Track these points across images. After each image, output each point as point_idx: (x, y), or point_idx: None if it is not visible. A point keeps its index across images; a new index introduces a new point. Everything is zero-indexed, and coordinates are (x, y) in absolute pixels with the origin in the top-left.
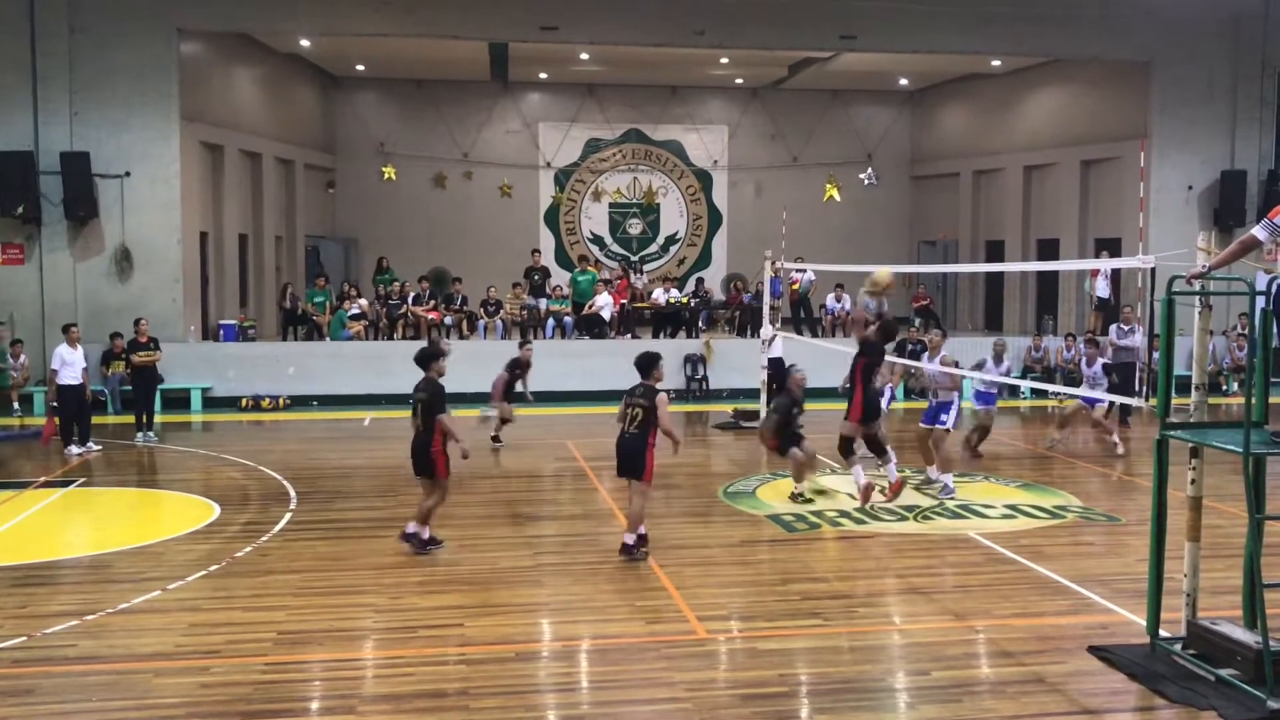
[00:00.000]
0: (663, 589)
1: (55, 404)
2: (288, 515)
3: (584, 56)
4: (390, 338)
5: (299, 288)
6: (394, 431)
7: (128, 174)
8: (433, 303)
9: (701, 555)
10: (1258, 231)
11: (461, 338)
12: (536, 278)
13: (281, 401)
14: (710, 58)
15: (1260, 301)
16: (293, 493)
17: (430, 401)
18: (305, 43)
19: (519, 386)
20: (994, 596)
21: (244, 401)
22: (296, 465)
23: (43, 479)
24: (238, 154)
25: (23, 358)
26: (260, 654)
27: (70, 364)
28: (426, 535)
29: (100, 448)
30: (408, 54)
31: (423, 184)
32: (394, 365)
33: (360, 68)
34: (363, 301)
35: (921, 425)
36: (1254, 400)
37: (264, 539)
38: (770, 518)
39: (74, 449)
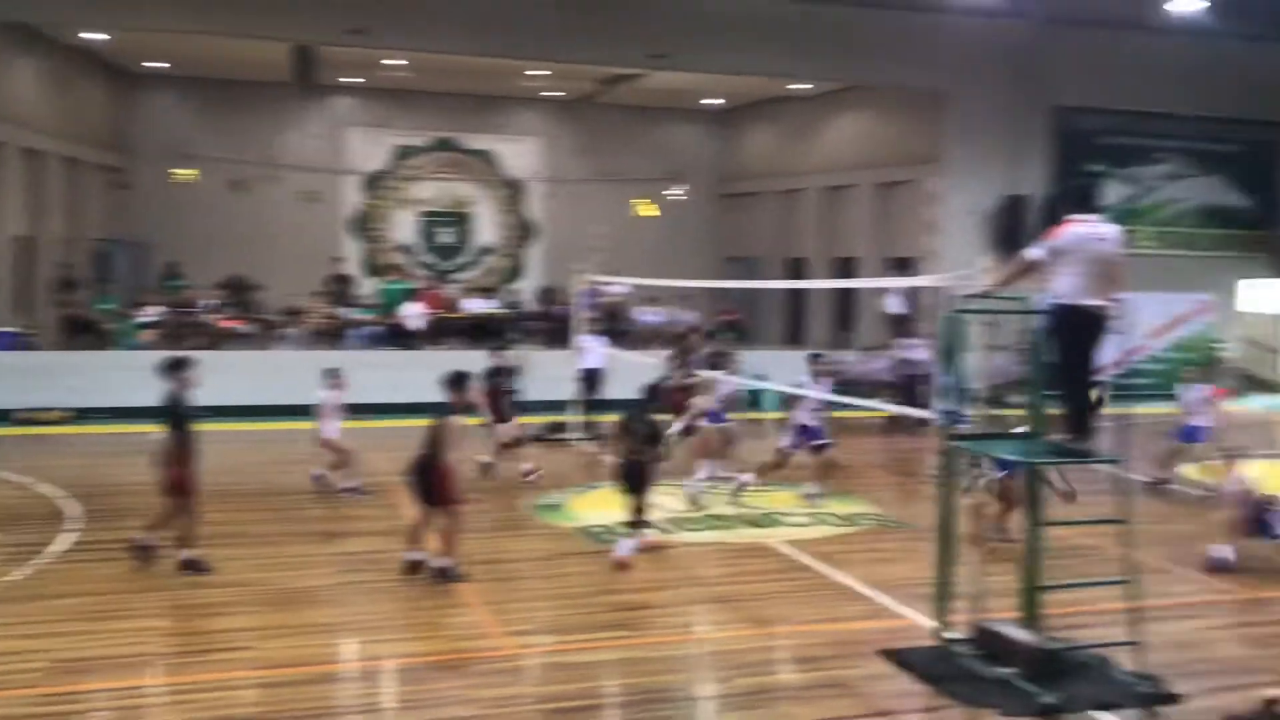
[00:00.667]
0: (469, 605)
1: None
2: (68, 536)
3: (394, 62)
4: (185, 347)
5: (85, 294)
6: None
7: None
8: (230, 311)
9: (510, 570)
10: (1034, 253)
11: (261, 347)
12: (340, 286)
13: (64, 414)
14: (522, 69)
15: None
16: (74, 511)
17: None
18: (94, 36)
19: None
20: (794, 603)
21: (19, 414)
22: (80, 481)
23: None
24: (17, 151)
25: None
26: (31, 685)
27: None
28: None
29: None
30: (209, 52)
31: (223, 188)
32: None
33: (155, 64)
34: (155, 309)
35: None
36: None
37: (41, 561)
38: (579, 530)
39: None
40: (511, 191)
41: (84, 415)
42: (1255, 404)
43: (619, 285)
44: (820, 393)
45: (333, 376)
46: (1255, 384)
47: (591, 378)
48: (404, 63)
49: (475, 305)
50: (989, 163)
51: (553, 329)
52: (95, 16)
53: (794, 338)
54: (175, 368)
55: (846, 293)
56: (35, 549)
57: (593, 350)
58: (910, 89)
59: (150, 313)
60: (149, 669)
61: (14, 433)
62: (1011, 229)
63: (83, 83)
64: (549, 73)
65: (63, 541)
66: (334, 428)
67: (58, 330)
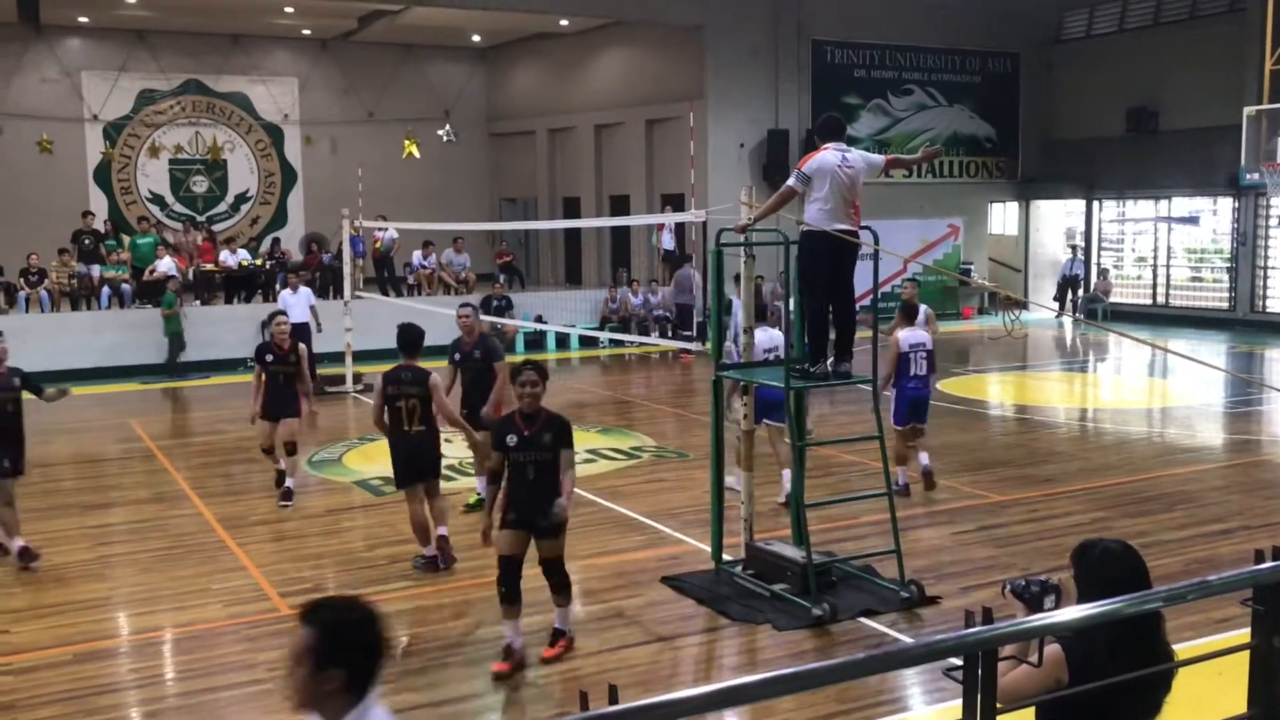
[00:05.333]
0: (242, 569)
1: None
2: None
3: (129, 0)
4: None
5: None
6: None
7: None
8: None
9: (285, 529)
10: (790, 182)
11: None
12: (88, 242)
13: None
14: (272, 6)
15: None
16: None
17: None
18: None
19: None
20: (576, 538)
21: None
22: None
23: None
24: None
25: None
26: None
27: None
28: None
29: None
30: None
31: None
32: None
33: None
34: None
35: None
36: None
37: None
38: (358, 484)
39: None
40: (268, 135)
41: None
42: (999, 320)
43: (388, 230)
44: None
45: None
46: (1000, 301)
47: (297, 331)
48: (134, 0)
49: (235, 256)
50: (751, 97)
51: (321, 278)
52: None
53: (570, 278)
54: None
55: (621, 231)
56: None
57: (295, 304)
58: (670, 24)
59: None
60: None
61: None
62: (775, 162)
63: None
64: (298, 10)
65: None
66: None
67: None
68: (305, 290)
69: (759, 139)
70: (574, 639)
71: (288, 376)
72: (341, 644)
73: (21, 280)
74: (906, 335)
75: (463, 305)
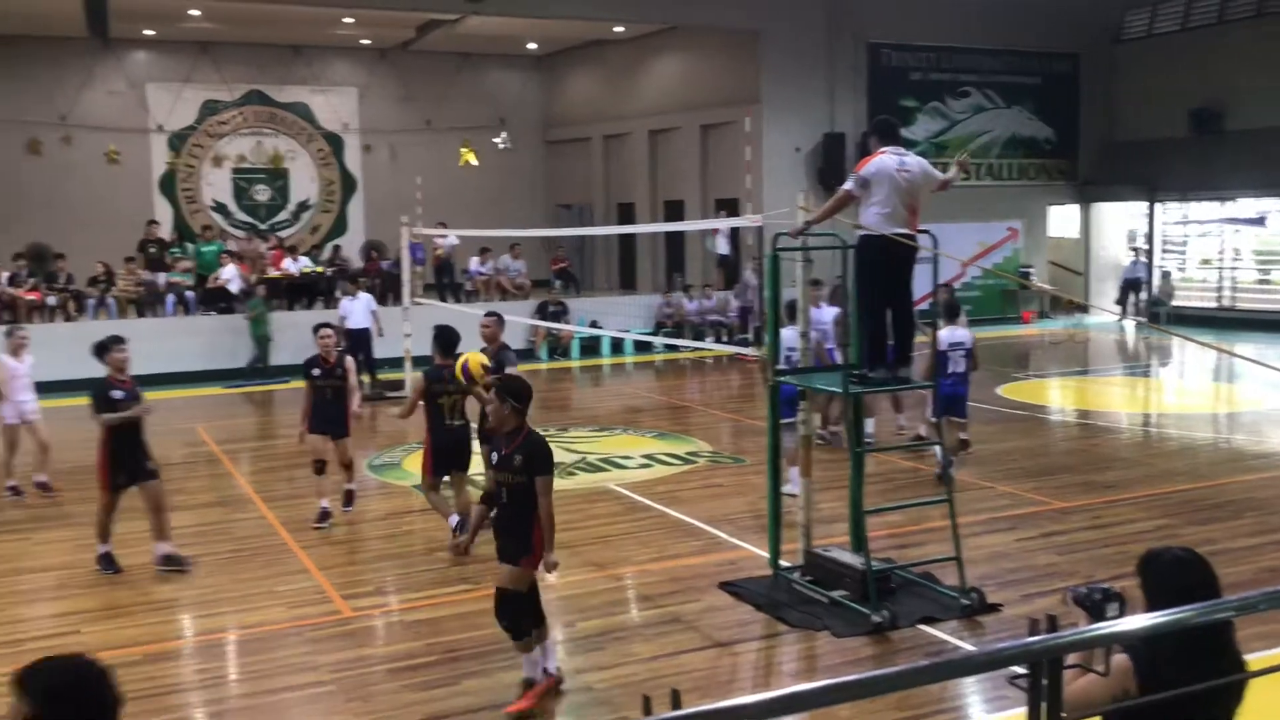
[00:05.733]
0: (305, 571)
1: None
2: None
3: (194, 12)
4: None
5: None
6: None
7: None
8: (32, 282)
9: (347, 532)
10: (848, 186)
11: (68, 319)
12: (153, 250)
13: None
14: (333, 17)
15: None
16: None
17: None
18: None
19: None
20: (633, 544)
21: None
22: None
23: None
24: None
25: None
26: None
27: None
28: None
29: None
30: None
31: (13, 151)
32: None
33: None
34: None
35: None
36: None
37: None
38: (416, 487)
39: None
40: (329, 144)
41: None
42: (1060, 324)
43: (448, 237)
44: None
45: (11, 336)
46: (1060, 305)
47: (355, 339)
48: (198, 13)
49: (296, 264)
50: (807, 101)
51: (380, 285)
52: None
53: (625, 283)
54: (103, 349)
55: (676, 236)
56: None
57: (356, 311)
58: (726, 29)
59: None
60: None
61: None
62: (831, 166)
63: None
64: (358, 21)
65: None
66: (18, 407)
67: None
68: (366, 296)
69: (815, 143)
70: (559, 680)
71: (335, 391)
72: (66, 712)
73: (93, 288)
74: (946, 334)
75: (487, 314)
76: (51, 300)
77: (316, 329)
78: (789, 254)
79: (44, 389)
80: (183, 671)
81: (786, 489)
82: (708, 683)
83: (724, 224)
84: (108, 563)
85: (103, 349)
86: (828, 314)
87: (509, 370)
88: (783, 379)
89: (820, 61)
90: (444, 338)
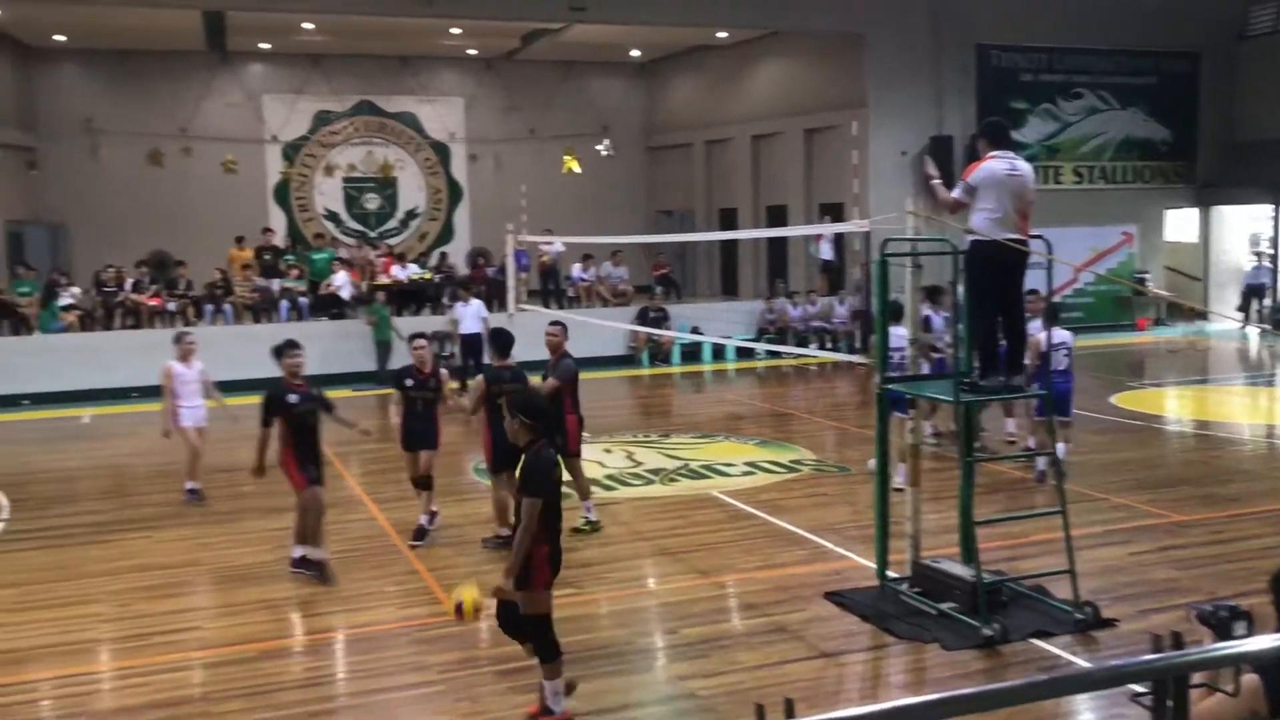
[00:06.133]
0: (414, 572)
1: None
2: (2, 525)
3: (307, 26)
4: (108, 328)
5: (0, 279)
6: (117, 429)
7: None
8: (154, 289)
9: (454, 534)
10: (955, 194)
11: (188, 324)
12: (268, 257)
13: None
14: (440, 28)
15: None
16: (3, 501)
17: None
18: None
19: None
20: (737, 552)
21: None
22: (6, 470)
23: None
24: None
25: None
26: None
27: None
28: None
29: None
30: (114, 22)
31: (137, 162)
32: (113, 358)
33: (59, 38)
34: (75, 290)
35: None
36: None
37: None
38: (479, 469)
39: None
40: (435, 153)
41: (7, 402)
42: (1179, 331)
43: (554, 244)
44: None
45: (180, 343)
46: (1179, 312)
47: (467, 344)
48: (311, 26)
49: (405, 271)
50: (913, 104)
51: (486, 291)
52: None
53: (727, 289)
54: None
55: (778, 241)
56: None
57: (467, 316)
58: (830, 33)
59: (70, 295)
60: (93, 655)
61: None
62: (940, 170)
63: None
64: (465, 31)
65: None
66: (193, 412)
67: None
68: (476, 303)
69: (921, 146)
70: None
71: (427, 403)
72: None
73: (209, 293)
74: (1049, 335)
75: (552, 324)
76: (172, 306)
77: (411, 338)
78: (898, 259)
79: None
80: (296, 669)
81: (896, 483)
82: (814, 693)
83: (828, 229)
84: (307, 565)
85: (279, 353)
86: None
87: (558, 381)
88: (891, 387)
89: (926, 64)
90: (500, 340)
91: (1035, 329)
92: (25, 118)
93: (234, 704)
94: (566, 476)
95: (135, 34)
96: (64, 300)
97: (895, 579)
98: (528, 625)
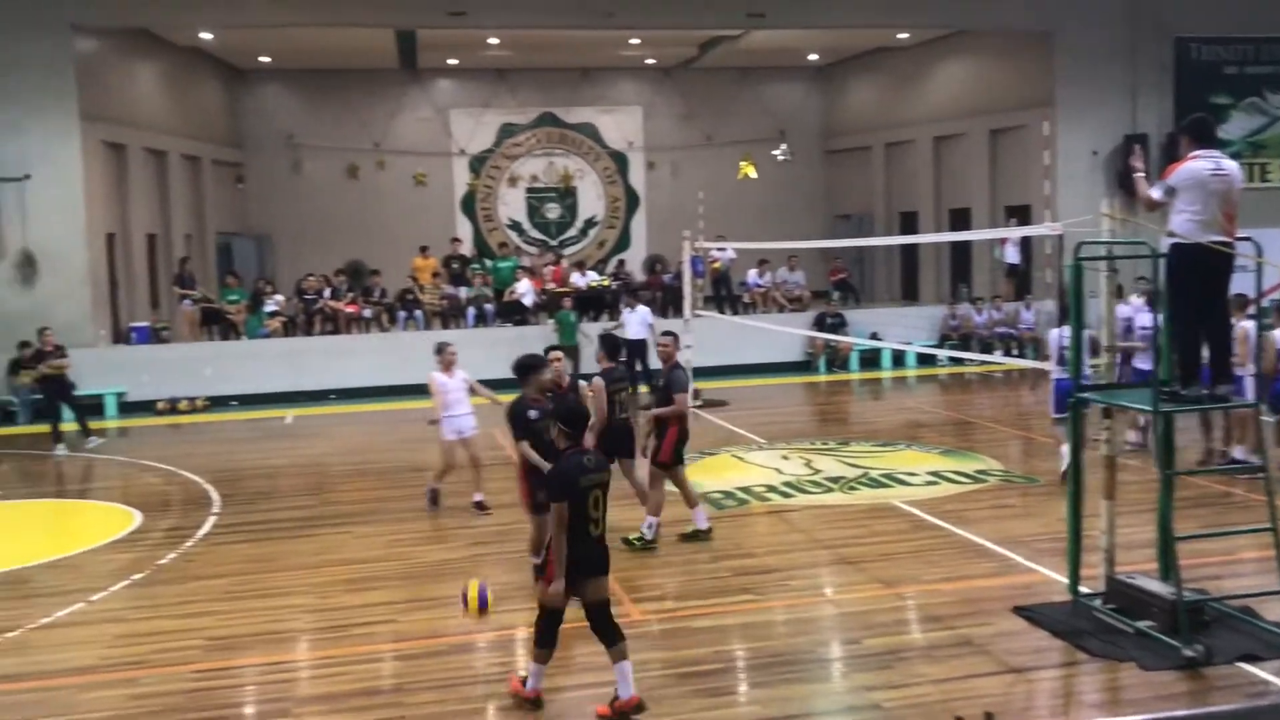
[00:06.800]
0: None
1: None
2: (211, 519)
3: (493, 41)
4: (308, 334)
5: (212, 287)
6: (316, 428)
7: (27, 176)
8: (351, 296)
9: (635, 537)
10: (1154, 194)
11: (382, 330)
12: (455, 266)
13: (199, 403)
14: (620, 39)
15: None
16: (215, 495)
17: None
18: (206, 35)
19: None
20: (920, 562)
21: (160, 405)
22: (218, 467)
23: None
24: (142, 152)
25: None
26: (189, 662)
27: None
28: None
29: None
30: (313, 43)
31: (334, 176)
32: (312, 362)
33: (264, 59)
34: (279, 298)
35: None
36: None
37: (188, 544)
38: (700, 496)
39: None
40: (614, 162)
41: (217, 403)
42: None
43: (726, 250)
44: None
45: (441, 353)
46: None
47: (632, 349)
48: (496, 41)
49: (584, 278)
50: (1106, 101)
51: (662, 298)
52: (208, 16)
53: (907, 294)
54: (529, 369)
55: (961, 245)
56: (183, 532)
57: (632, 322)
58: (1017, 30)
59: (274, 302)
60: (295, 644)
61: (155, 423)
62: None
63: (197, 82)
64: (644, 41)
65: (207, 525)
66: (454, 423)
67: (187, 323)
68: (643, 309)
69: (1114, 145)
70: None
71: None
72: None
73: (398, 301)
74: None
75: (664, 334)
76: (367, 313)
77: (547, 351)
78: (1093, 263)
79: (356, 395)
80: (481, 663)
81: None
82: (1003, 709)
83: (1015, 233)
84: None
85: (527, 369)
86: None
87: (676, 395)
88: (1086, 395)
89: (1120, 60)
90: (609, 343)
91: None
92: (233, 135)
93: (426, 695)
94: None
95: (333, 54)
96: (269, 307)
97: (1088, 595)
98: (545, 619)
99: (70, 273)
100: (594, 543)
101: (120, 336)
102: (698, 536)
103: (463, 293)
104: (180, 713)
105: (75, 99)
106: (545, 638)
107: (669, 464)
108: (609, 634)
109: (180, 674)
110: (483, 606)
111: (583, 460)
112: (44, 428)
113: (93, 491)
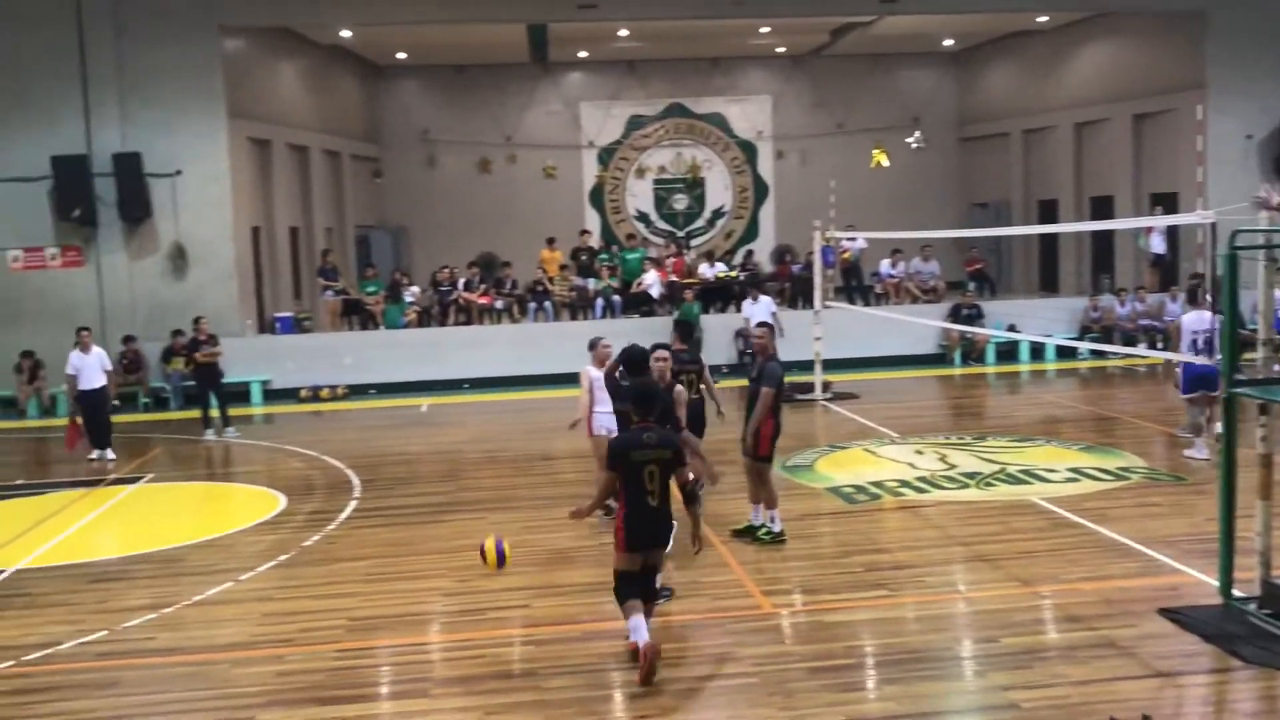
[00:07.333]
0: (725, 565)
1: (75, 409)
2: (352, 503)
3: (623, 33)
4: (443, 324)
5: (351, 278)
6: (450, 417)
7: (179, 172)
8: (483, 288)
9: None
10: None
11: (513, 321)
12: (584, 258)
13: (340, 391)
14: (750, 28)
15: None
16: (356, 481)
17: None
18: (346, 33)
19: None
20: (1060, 561)
21: (303, 392)
22: (358, 453)
23: (113, 476)
24: (285, 148)
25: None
26: (333, 641)
27: (81, 369)
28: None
29: (114, 457)
30: (447, 40)
31: (467, 169)
32: (447, 352)
33: (401, 56)
34: (415, 289)
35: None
36: None
37: (330, 527)
38: (830, 490)
39: (95, 453)
40: (743, 152)
41: (355, 391)
42: None
43: (856, 240)
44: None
45: (595, 348)
46: None
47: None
48: (628, 33)
49: (712, 269)
50: (1262, 84)
51: (792, 288)
52: (347, 15)
53: (1046, 285)
54: (639, 363)
55: (1103, 235)
56: (325, 516)
57: (756, 313)
58: (1165, 12)
59: (411, 293)
60: (432, 626)
61: (298, 410)
62: None
63: (336, 78)
64: (774, 29)
65: (348, 509)
66: (605, 418)
67: (329, 313)
68: (766, 300)
69: (1270, 128)
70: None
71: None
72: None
73: (529, 293)
74: None
75: (759, 324)
76: (499, 304)
77: (652, 349)
78: (1250, 252)
79: (489, 384)
80: (613, 650)
81: (1189, 452)
82: (1150, 714)
83: (1161, 221)
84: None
85: (644, 362)
86: None
87: (765, 388)
88: (1242, 391)
89: (1277, 41)
90: (682, 328)
91: None
92: (372, 130)
93: (560, 680)
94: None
95: (467, 49)
96: (407, 298)
97: (1242, 598)
98: (649, 582)
99: (219, 265)
100: (651, 512)
101: (265, 326)
102: (773, 539)
103: (590, 284)
104: (324, 690)
105: (222, 97)
106: (622, 595)
107: (768, 458)
108: (649, 594)
109: (324, 652)
110: (500, 561)
111: (642, 436)
112: (194, 413)
113: (240, 475)
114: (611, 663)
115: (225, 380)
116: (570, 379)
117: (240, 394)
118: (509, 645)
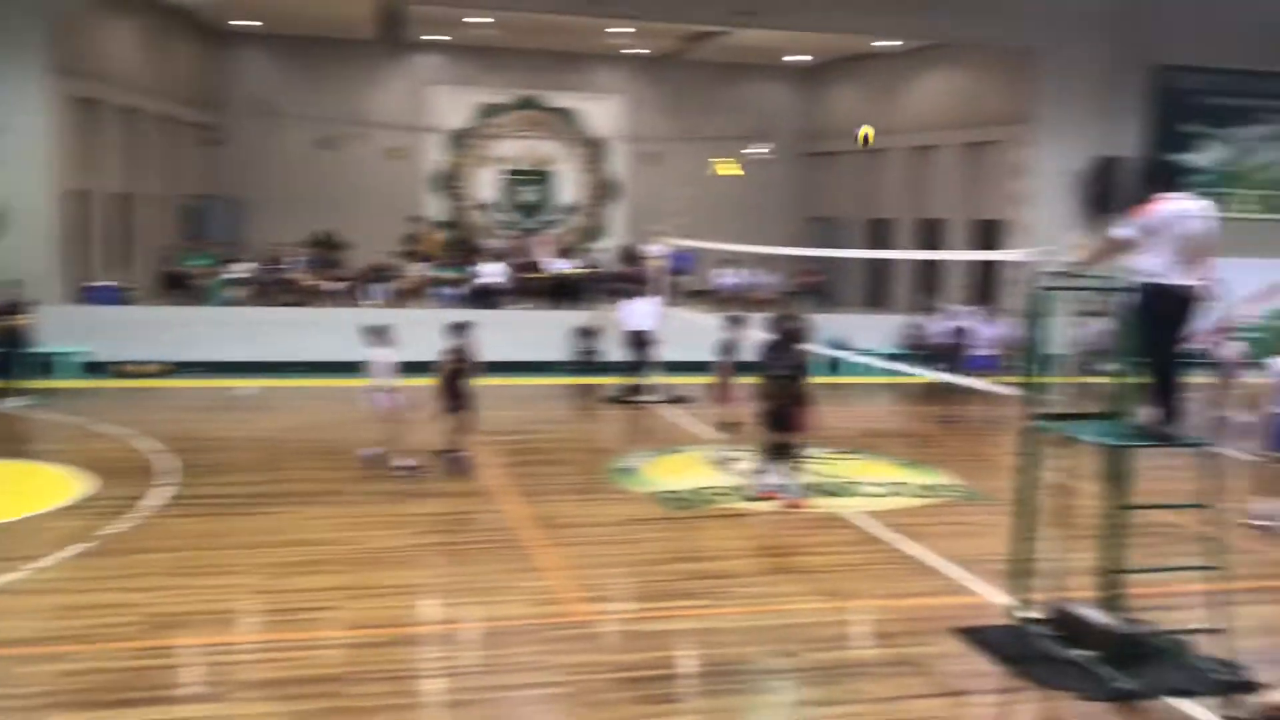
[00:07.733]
0: (544, 569)
1: None
2: (164, 489)
3: (479, 20)
4: (273, 304)
5: (178, 250)
6: (279, 402)
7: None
8: (318, 268)
9: (585, 534)
10: (1123, 231)
11: (350, 305)
12: (417, 244)
13: (162, 368)
14: (607, 26)
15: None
16: (169, 465)
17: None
18: None
19: None
20: (868, 577)
21: (125, 367)
22: (176, 435)
23: None
24: (114, 110)
25: None
26: (128, 639)
27: None
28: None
29: None
30: (297, 10)
31: (311, 145)
32: (278, 332)
33: (247, 23)
34: (249, 265)
35: None
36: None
37: (136, 515)
38: (655, 495)
39: None
40: (594, 150)
41: (180, 369)
42: None
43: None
44: None
45: (379, 334)
46: None
47: (641, 339)
48: (489, 20)
49: (557, 265)
50: (1082, 123)
51: (635, 289)
52: None
53: (876, 301)
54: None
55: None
56: (132, 502)
57: (641, 312)
58: (1001, 46)
59: (240, 269)
60: (238, 626)
61: (114, 385)
62: (1103, 193)
63: (176, 42)
64: (633, 30)
65: (159, 496)
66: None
67: (153, 285)
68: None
69: (1086, 166)
70: None
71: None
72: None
73: (366, 276)
74: None
75: (787, 316)
76: (333, 287)
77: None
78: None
79: (321, 369)
80: (427, 657)
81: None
82: None
83: (986, 256)
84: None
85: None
86: None
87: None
88: (1042, 424)
89: (1099, 82)
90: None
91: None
92: (210, 97)
93: (369, 687)
94: None
95: (317, 22)
96: (235, 274)
97: (1033, 620)
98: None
99: (35, 229)
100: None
101: (85, 296)
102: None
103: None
104: (112, 692)
105: (46, 52)
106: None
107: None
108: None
109: (117, 651)
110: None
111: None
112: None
113: (42, 454)
114: (423, 670)
115: (37, 350)
116: (415, 367)
117: (53, 365)
118: (316, 648)
